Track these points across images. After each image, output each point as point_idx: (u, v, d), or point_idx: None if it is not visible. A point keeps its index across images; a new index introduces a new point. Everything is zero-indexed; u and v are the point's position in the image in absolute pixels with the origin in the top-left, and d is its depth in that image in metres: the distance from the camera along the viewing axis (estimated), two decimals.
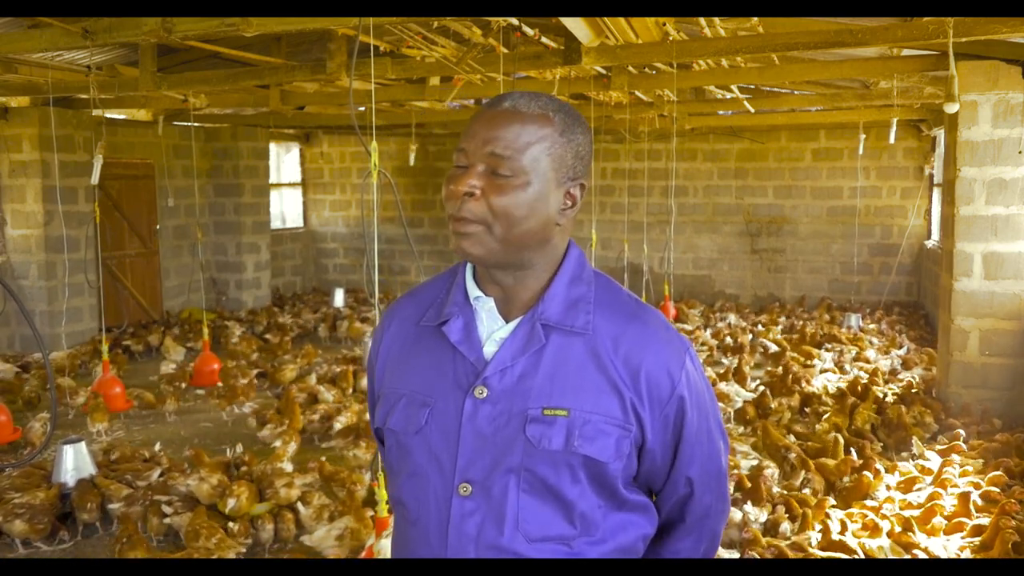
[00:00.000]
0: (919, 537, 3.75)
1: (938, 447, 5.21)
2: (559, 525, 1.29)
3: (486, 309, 1.35)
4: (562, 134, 1.30)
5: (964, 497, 4.06)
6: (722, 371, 7.08)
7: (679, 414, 1.32)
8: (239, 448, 4.98)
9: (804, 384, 6.70)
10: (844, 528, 3.85)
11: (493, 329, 1.34)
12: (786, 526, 4.02)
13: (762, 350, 8.35)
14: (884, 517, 3.96)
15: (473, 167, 1.27)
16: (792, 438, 5.36)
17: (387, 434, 1.39)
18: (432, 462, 1.32)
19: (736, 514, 4.03)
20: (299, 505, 4.22)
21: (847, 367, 7.53)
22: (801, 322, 9.75)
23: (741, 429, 5.65)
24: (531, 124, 1.27)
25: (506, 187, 1.26)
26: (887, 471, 4.78)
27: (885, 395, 6.28)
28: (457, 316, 1.35)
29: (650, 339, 1.32)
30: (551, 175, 1.29)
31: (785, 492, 4.46)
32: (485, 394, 1.29)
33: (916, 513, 4.02)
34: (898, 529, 3.80)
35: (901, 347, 8.33)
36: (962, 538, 3.81)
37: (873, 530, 3.83)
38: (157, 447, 5.32)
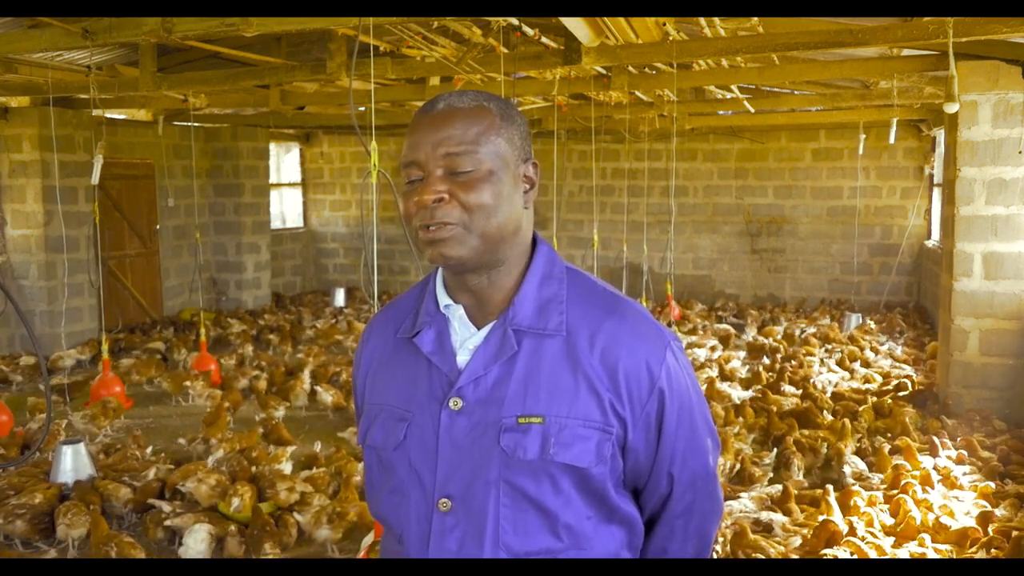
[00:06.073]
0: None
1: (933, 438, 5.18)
2: (543, 538, 1.25)
3: (456, 317, 1.32)
4: (502, 118, 1.28)
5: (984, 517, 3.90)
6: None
7: (660, 410, 1.28)
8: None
9: (803, 384, 6.69)
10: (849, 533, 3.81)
11: (465, 337, 1.31)
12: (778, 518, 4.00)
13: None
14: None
15: (431, 175, 1.24)
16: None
17: (367, 450, 1.37)
18: (412, 477, 1.29)
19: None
20: (295, 514, 4.16)
21: (847, 367, 7.51)
22: (802, 323, 9.74)
23: (736, 429, 5.65)
24: (473, 117, 1.26)
25: (472, 182, 1.24)
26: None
27: (884, 395, 6.28)
28: (429, 326, 1.32)
29: (627, 334, 1.27)
30: (506, 160, 1.27)
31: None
32: (460, 405, 1.26)
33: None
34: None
35: (897, 348, 8.33)
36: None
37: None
38: (149, 450, 5.24)
